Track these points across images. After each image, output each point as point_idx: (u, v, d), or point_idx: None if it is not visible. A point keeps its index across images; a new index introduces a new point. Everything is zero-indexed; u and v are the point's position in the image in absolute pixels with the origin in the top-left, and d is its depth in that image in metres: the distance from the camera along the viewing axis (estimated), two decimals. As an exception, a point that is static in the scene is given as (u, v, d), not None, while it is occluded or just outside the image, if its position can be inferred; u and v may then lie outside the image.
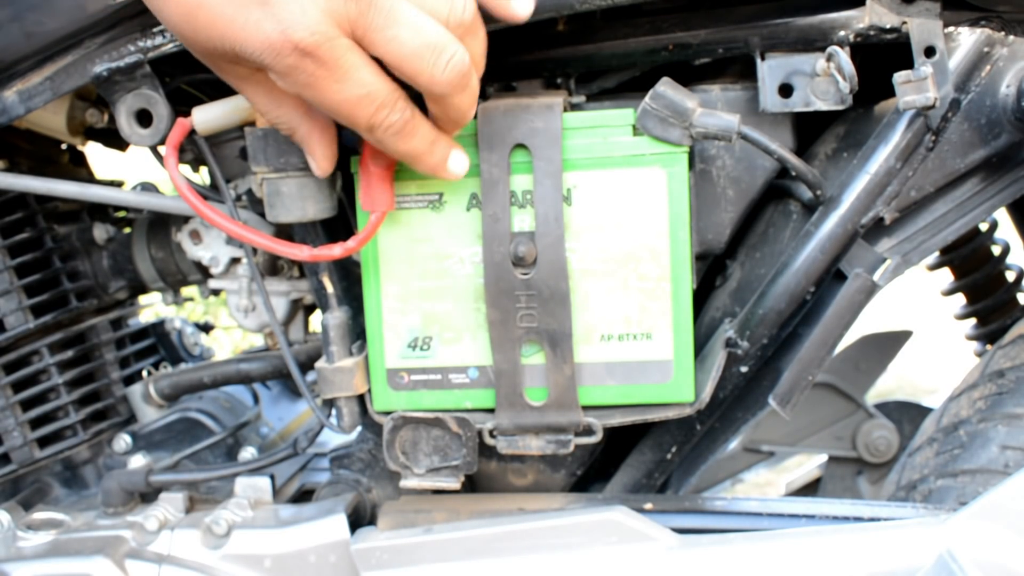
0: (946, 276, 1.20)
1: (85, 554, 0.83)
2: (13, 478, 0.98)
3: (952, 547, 0.70)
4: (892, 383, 2.62)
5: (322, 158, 0.69)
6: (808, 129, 0.83)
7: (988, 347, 1.18)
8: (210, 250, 0.97)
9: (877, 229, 0.77)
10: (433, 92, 0.63)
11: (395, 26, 0.59)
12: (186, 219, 0.98)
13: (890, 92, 0.71)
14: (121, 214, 1.08)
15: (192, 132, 0.77)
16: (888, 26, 0.72)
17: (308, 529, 0.82)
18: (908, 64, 0.71)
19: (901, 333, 1.42)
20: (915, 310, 2.92)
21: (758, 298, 0.78)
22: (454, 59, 0.61)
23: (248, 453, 0.99)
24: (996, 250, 1.17)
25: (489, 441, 0.76)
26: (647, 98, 0.72)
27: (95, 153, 1.14)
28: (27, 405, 0.97)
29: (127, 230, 1.05)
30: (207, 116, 0.77)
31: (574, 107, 0.79)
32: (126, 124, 0.78)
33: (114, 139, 1.06)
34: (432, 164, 0.67)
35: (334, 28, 0.58)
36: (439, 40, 0.61)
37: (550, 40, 0.78)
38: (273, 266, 0.97)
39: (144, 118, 0.78)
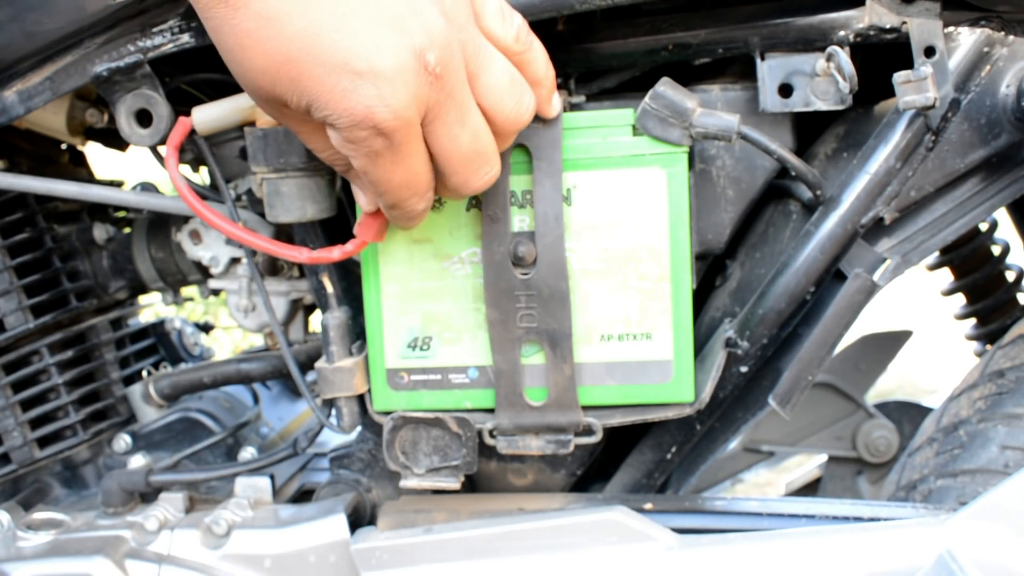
0: (946, 276, 1.20)
1: (85, 554, 0.83)
2: (13, 478, 0.98)
3: (952, 547, 0.70)
4: (892, 383, 2.62)
5: (372, 199, 0.68)
6: (808, 129, 0.83)
7: (988, 347, 1.18)
8: (210, 250, 0.97)
9: (877, 229, 0.77)
10: (459, 194, 0.64)
11: (460, 125, 0.59)
12: (186, 219, 0.98)
13: (890, 92, 0.71)
14: (121, 214, 1.08)
15: (192, 132, 0.77)
16: (888, 26, 0.72)
17: (308, 529, 0.82)
18: (908, 64, 0.71)
19: (901, 333, 1.42)
20: (915, 310, 2.92)
21: (758, 298, 0.78)
22: (491, 172, 0.63)
23: (248, 453, 0.99)
24: (996, 250, 1.17)
25: (489, 441, 0.76)
26: (647, 98, 0.72)
27: (95, 153, 1.14)
28: (27, 405, 0.97)
29: (127, 230, 1.05)
30: (207, 116, 0.77)
31: (574, 107, 0.79)
32: (126, 124, 0.78)
33: (114, 139, 1.06)
34: (408, 229, 0.69)
35: (416, 114, 0.57)
36: (488, 151, 0.62)
37: (550, 40, 0.78)
38: (273, 266, 0.97)
39: (144, 118, 0.78)
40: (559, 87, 0.80)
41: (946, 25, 0.73)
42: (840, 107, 0.74)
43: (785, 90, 0.75)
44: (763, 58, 0.75)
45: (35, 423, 0.97)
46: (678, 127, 0.71)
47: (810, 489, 1.43)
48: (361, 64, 0.55)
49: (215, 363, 1.04)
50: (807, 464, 1.47)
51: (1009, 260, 1.17)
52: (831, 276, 0.77)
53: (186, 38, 0.75)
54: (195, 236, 0.97)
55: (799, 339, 0.78)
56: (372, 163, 0.59)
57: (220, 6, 0.56)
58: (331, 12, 0.55)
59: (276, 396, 1.18)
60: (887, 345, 1.42)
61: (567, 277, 0.73)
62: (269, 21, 0.55)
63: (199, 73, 0.83)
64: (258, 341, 1.97)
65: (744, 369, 0.79)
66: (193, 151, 0.93)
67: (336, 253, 0.71)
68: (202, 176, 1.04)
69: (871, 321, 1.85)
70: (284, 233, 0.89)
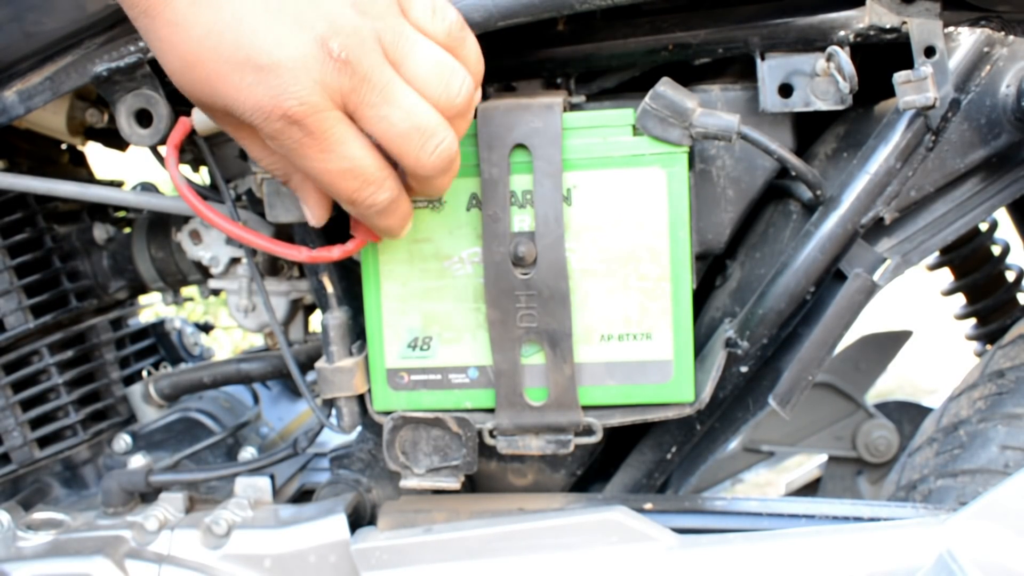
0: (946, 276, 1.20)
1: (85, 554, 0.83)
2: (13, 478, 0.98)
3: (952, 547, 0.70)
4: (892, 383, 2.62)
5: (316, 206, 0.69)
6: (808, 129, 0.83)
7: (988, 347, 1.18)
8: (210, 250, 0.97)
9: (877, 229, 0.77)
10: (417, 175, 0.63)
11: (387, 105, 0.60)
12: (186, 219, 0.98)
13: (890, 92, 0.71)
14: (121, 214, 1.08)
15: (192, 132, 0.77)
16: (888, 26, 0.72)
17: (308, 529, 0.82)
18: (908, 64, 0.71)
19: (901, 333, 1.42)
20: (915, 310, 2.92)
21: (758, 298, 0.78)
22: (442, 145, 0.62)
23: (248, 453, 0.99)
24: (996, 250, 1.17)
25: (489, 441, 0.76)
26: (647, 98, 0.72)
27: (95, 153, 1.14)
28: (27, 405, 0.97)
29: (127, 230, 1.05)
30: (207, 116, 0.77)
31: (574, 107, 0.79)
32: (126, 124, 0.78)
33: (114, 139, 1.06)
34: (394, 235, 0.68)
35: (325, 100, 0.58)
36: (429, 124, 0.61)
37: (550, 40, 0.78)
38: (273, 266, 0.97)
39: (144, 118, 0.78)
40: (559, 87, 0.80)
41: (946, 25, 0.73)
42: (840, 107, 0.74)
43: (785, 90, 0.75)
44: (763, 58, 0.75)
45: (35, 423, 0.97)
46: (678, 127, 0.71)
47: (810, 489, 1.43)
48: (263, 58, 0.57)
49: (215, 363, 1.04)
50: (807, 464, 1.47)
51: (1009, 260, 1.17)
52: (831, 276, 0.77)
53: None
54: (195, 236, 0.97)
55: (799, 339, 0.78)
56: (302, 157, 0.60)
57: (142, 17, 0.59)
58: (233, 12, 0.57)
59: (276, 396, 1.18)
60: (887, 345, 1.42)
61: (567, 277, 0.73)
62: (178, 26, 0.58)
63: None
64: (258, 341, 1.97)
65: (744, 369, 0.79)
66: (193, 151, 0.93)
67: (336, 252, 0.71)
68: (202, 176, 1.04)
69: (871, 321, 1.85)
70: (284, 233, 0.89)
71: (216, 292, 1.05)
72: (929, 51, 0.72)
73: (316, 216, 0.69)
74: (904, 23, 0.72)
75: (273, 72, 0.57)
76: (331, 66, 0.58)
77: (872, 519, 0.76)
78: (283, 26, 0.57)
